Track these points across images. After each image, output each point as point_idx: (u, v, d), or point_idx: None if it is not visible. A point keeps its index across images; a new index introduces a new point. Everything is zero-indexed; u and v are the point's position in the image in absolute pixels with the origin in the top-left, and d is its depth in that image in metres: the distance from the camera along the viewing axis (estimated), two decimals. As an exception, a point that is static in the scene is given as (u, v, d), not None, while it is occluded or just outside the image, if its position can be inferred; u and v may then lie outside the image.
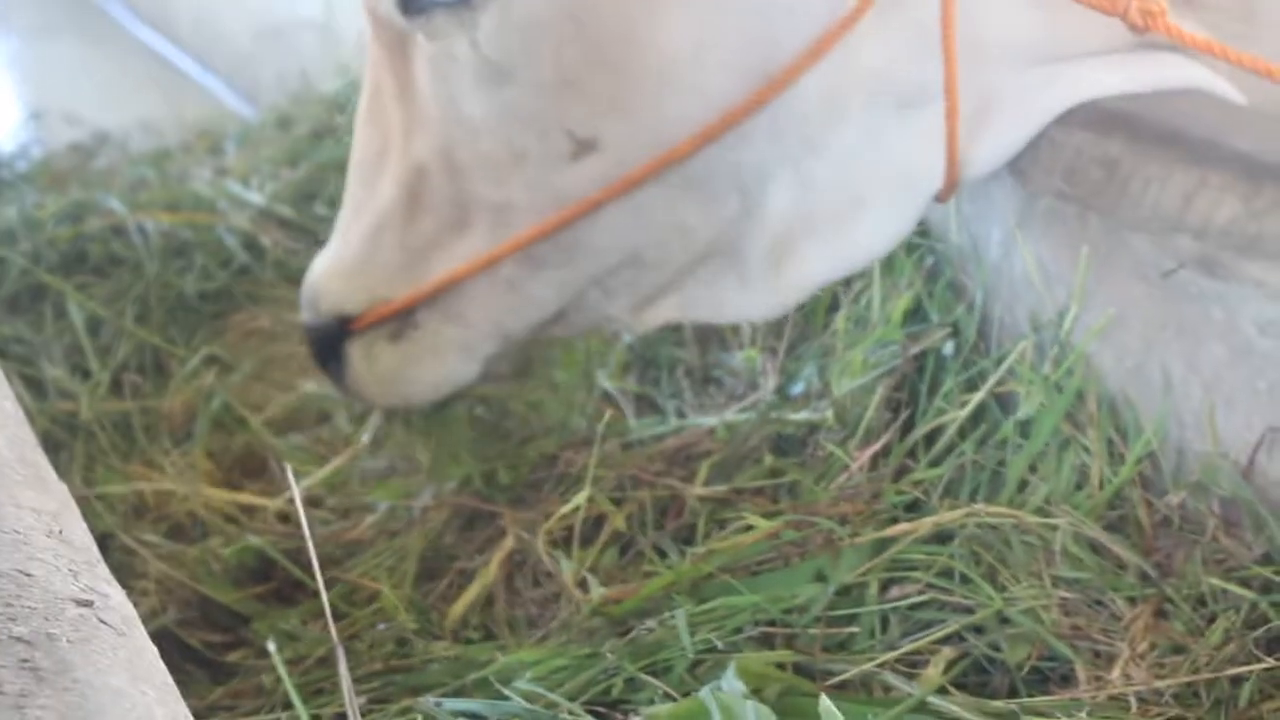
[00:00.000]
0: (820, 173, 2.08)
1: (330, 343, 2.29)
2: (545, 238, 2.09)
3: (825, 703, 1.27)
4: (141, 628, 1.07)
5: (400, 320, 2.23)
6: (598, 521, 2.16)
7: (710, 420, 2.36)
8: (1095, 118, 1.99)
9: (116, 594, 1.08)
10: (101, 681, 0.93)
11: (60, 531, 1.15)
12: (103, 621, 1.01)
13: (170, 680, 1.02)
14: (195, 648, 2.10)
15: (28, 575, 1.03)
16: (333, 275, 2.28)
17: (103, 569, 1.13)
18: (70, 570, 1.08)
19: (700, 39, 1.96)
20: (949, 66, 1.95)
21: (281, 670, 0.94)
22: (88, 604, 1.03)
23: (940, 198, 2.09)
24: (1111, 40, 2.01)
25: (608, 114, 2.01)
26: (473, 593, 2.05)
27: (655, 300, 2.24)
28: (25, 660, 0.93)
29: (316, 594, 2.09)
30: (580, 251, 2.13)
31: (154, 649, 1.05)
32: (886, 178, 2.10)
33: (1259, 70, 1.84)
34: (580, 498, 2.11)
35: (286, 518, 2.43)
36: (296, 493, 1.60)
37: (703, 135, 2.00)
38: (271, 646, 0.95)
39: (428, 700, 1.63)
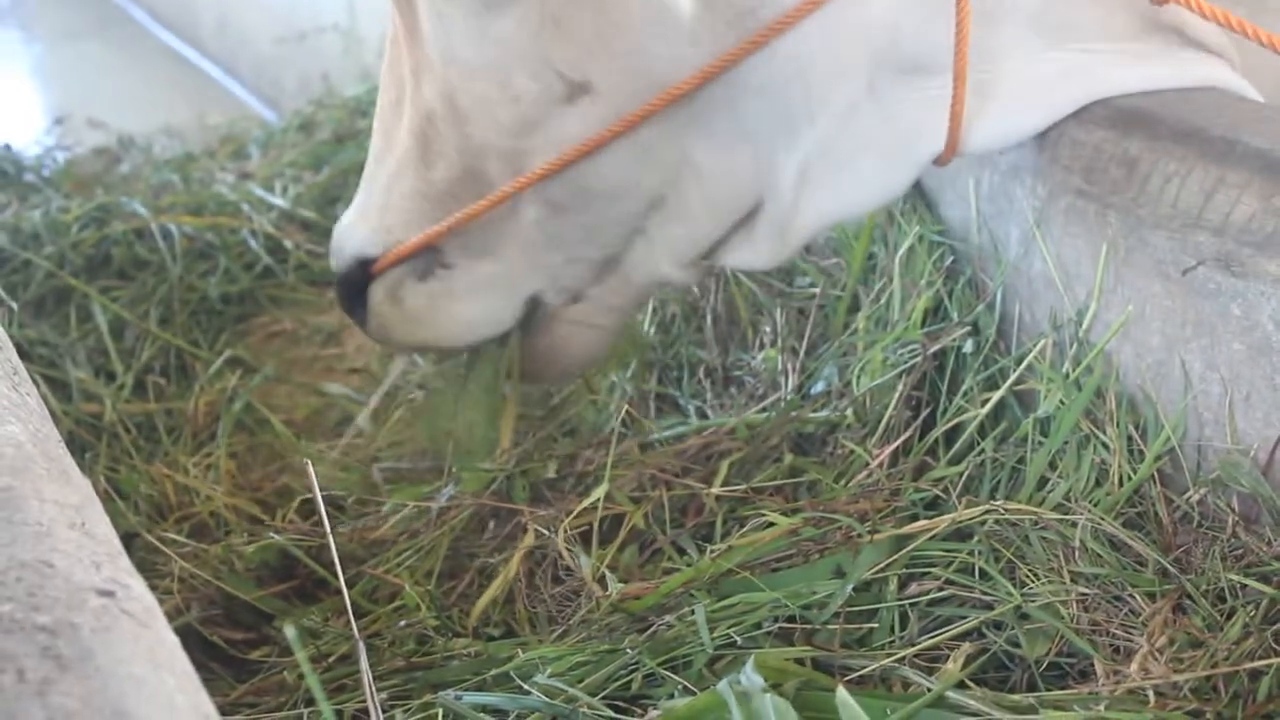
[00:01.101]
0: (823, 124, 2.09)
1: (356, 288, 2.32)
2: (554, 177, 2.10)
3: (842, 694, 1.27)
4: (163, 619, 1.07)
5: (427, 258, 2.25)
6: (617, 520, 2.16)
7: (730, 420, 2.37)
8: (1114, 116, 1.99)
9: (138, 585, 1.09)
10: (123, 670, 0.93)
11: (83, 524, 1.16)
12: (124, 611, 1.02)
13: (191, 670, 1.02)
14: (218, 645, 2.12)
15: (50, 566, 1.04)
16: (355, 221, 2.30)
17: (124, 561, 1.14)
18: (93, 562, 1.08)
19: None
20: (960, 30, 1.95)
21: (304, 663, 0.94)
22: (110, 594, 1.03)
23: (939, 162, 2.09)
24: (1128, 25, 2.02)
25: (596, 55, 2.02)
26: (494, 589, 2.06)
27: (701, 254, 2.27)
28: (48, 648, 0.93)
29: (338, 592, 2.10)
30: (594, 193, 2.14)
31: (175, 639, 1.06)
32: (887, 136, 2.10)
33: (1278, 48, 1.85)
34: (599, 491, 2.12)
35: (308, 517, 2.45)
36: (317, 491, 1.60)
37: (697, 78, 2.00)
38: (291, 632, 0.96)
39: (449, 694, 1.63)
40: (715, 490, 2.15)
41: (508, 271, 2.26)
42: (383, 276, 2.29)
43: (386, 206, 2.25)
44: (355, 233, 2.29)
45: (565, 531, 2.08)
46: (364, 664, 1.52)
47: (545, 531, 2.11)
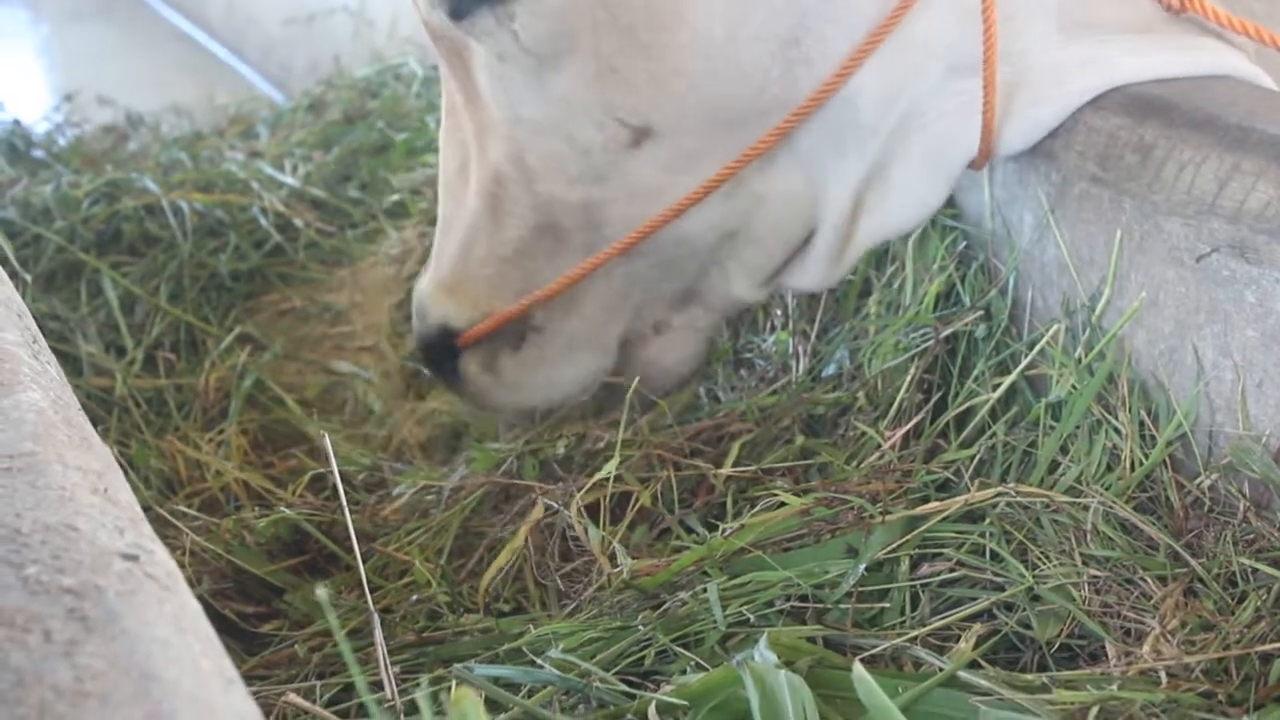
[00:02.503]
0: (871, 145, 2.11)
1: (440, 351, 2.36)
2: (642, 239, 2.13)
3: (859, 669, 1.28)
4: (185, 584, 1.08)
5: (519, 327, 2.28)
6: (625, 500, 2.17)
7: (741, 404, 2.37)
8: (1130, 103, 2.00)
9: (160, 551, 1.10)
10: (149, 632, 0.94)
11: (105, 490, 1.16)
12: (148, 576, 1.03)
13: (214, 635, 1.03)
14: (229, 618, 2.12)
15: (75, 530, 1.04)
16: (436, 291, 2.34)
17: (146, 527, 1.15)
18: (116, 527, 1.09)
19: (729, 17, 1.98)
20: (989, 39, 1.97)
21: (333, 623, 0.95)
22: (133, 558, 1.04)
23: (974, 165, 2.11)
24: (1145, 15, 2.03)
25: (653, 99, 2.03)
26: (503, 559, 2.07)
27: (770, 276, 2.31)
28: (73, 610, 0.94)
29: (349, 568, 2.11)
30: (677, 239, 2.17)
31: (197, 605, 1.06)
32: (926, 147, 2.12)
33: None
34: (610, 465, 2.12)
35: (319, 494, 2.45)
36: (335, 464, 1.61)
37: (774, 134, 2.03)
38: (322, 594, 0.96)
39: (462, 667, 1.64)
40: (725, 471, 2.16)
41: (595, 323, 2.29)
42: (473, 349, 2.33)
43: (466, 277, 2.28)
44: (437, 301, 2.34)
45: (576, 505, 2.09)
46: (378, 635, 1.53)
47: (554, 505, 2.12)
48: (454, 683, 1.57)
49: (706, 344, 2.47)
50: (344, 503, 1.61)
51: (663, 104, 2.05)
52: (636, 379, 2.30)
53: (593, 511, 2.14)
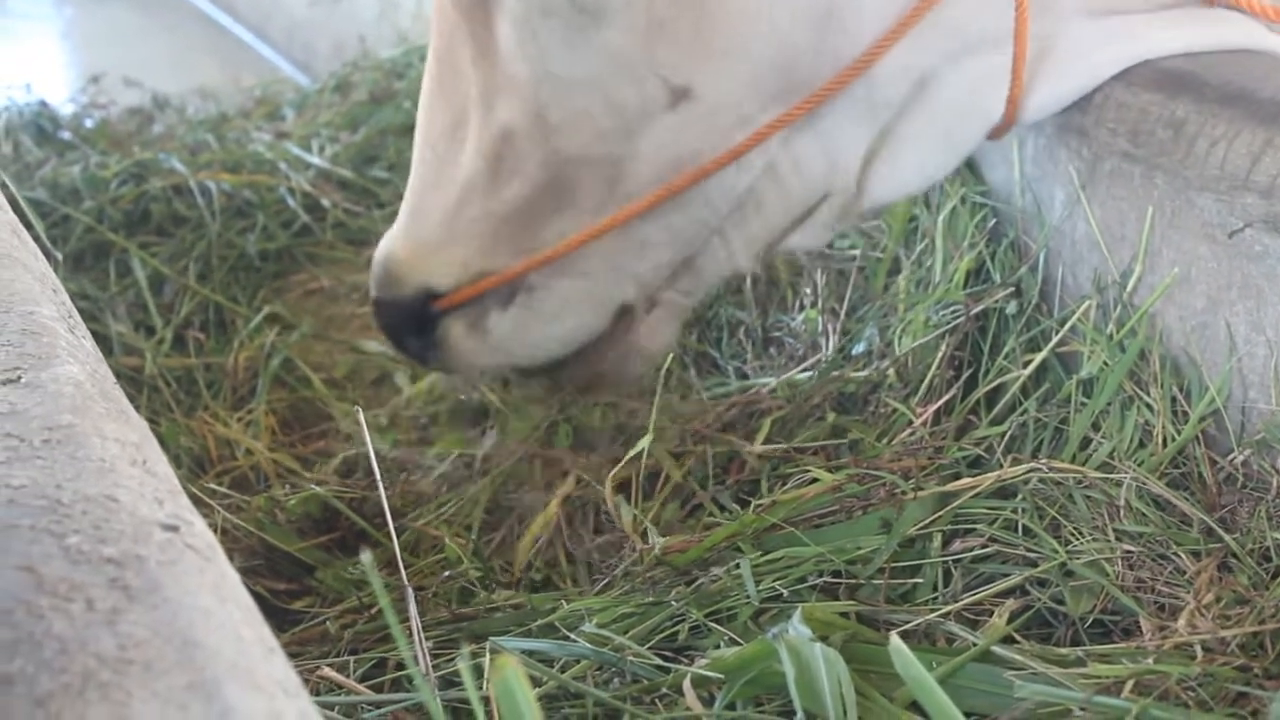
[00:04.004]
0: (889, 115, 2.11)
1: (414, 320, 2.26)
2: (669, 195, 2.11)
3: (896, 642, 1.27)
4: (224, 555, 1.08)
5: (510, 288, 2.22)
6: (656, 476, 2.17)
7: (771, 380, 2.37)
8: (1161, 78, 1.99)
9: (199, 522, 1.10)
10: (191, 601, 0.94)
11: (144, 462, 1.16)
12: (189, 546, 1.03)
13: (253, 604, 1.03)
14: (261, 595, 2.12)
15: (115, 500, 1.05)
16: (415, 251, 2.24)
17: (184, 499, 1.15)
18: (155, 498, 1.09)
19: None
20: (1021, 16, 1.96)
21: (375, 581, 0.95)
22: (174, 529, 1.04)
23: (994, 135, 2.11)
24: None
25: (697, 58, 2.02)
26: (536, 528, 2.07)
27: (772, 245, 2.27)
28: (115, 579, 0.94)
29: (380, 545, 2.11)
30: (693, 201, 2.14)
31: (236, 575, 1.06)
32: (945, 119, 2.12)
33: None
34: (644, 441, 2.11)
35: (350, 472, 2.46)
36: (369, 440, 1.61)
37: (808, 102, 2.02)
38: (367, 558, 0.96)
39: (497, 641, 1.64)
40: (758, 448, 2.16)
41: (596, 286, 2.24)
42: (458, 311, 2.25)
43: (454, 236, 2.20)
44: (417, 263, 2.23)
45: (609, 480, 2.09)
46: (413, 610, 1.53)
47: (586, 478, 2.12)
48: (488, 656, 1.57)
49: (680, 327, 2.42)
50: (379, 478, 1.61)
51: (706, 64, 2.03)
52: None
53: (624, 488, 2.14)
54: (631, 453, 2.12)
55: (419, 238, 2.22)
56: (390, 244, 2.26)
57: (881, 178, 2.17)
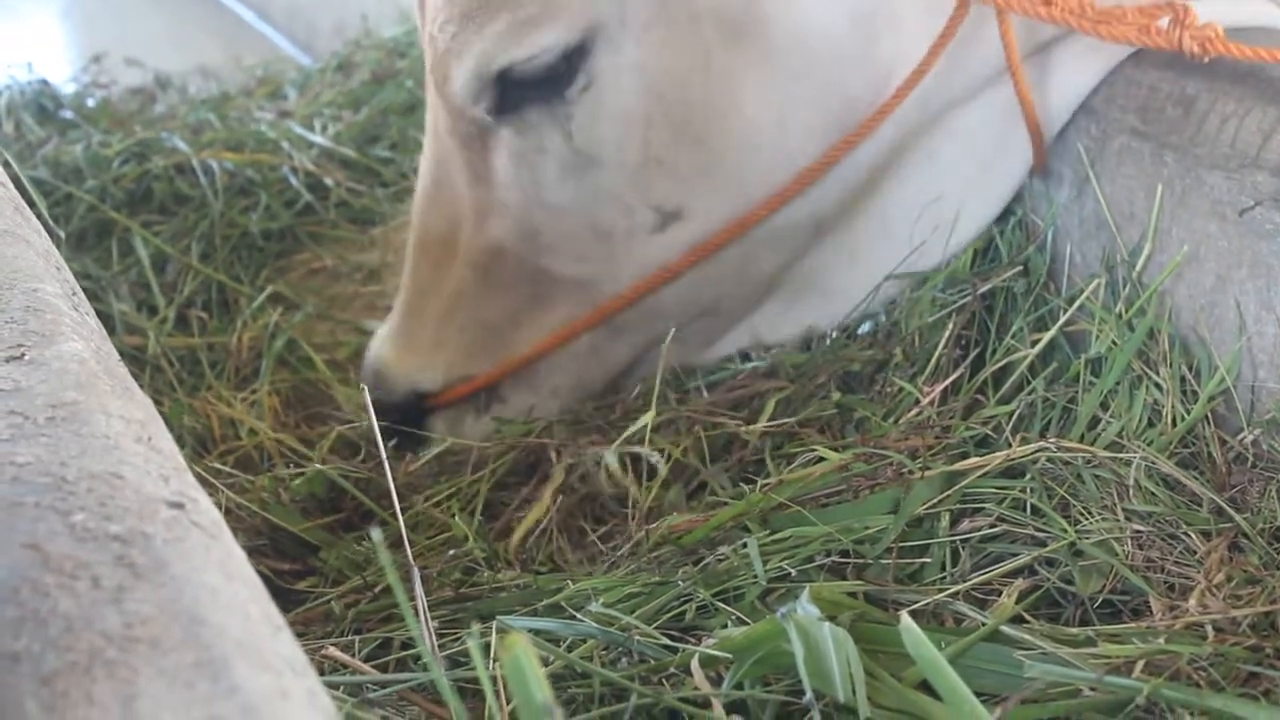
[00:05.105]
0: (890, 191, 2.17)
1: (405, 414, 2.37)
2: (630, 305, 2.14)
3: (906, 621, 1.27)
4: (229, 533, 1.07)
5: (487, 395, 2.33)
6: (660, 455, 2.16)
7: (769, 362, 2.36)
8: (1171, 56, 1.98)
9: (205, 500, 1.09)
10: (197, 579, 0.93)
11: (149, 439, 1.15)
12: (194, 523, 1.02)
13: (260, 582, 1.02)
14: (265, 575, 2.11)
15: (120, 478, 1.04)
16: (407, 354, 2.35)
17: (189, 476, 1.14)
18: (161, 475, 1.08)
19: (782, 108, 2.00)
20: (1012, 57, 1.99)
21: (384, 556, 0.94)
22: (179, 506, 1.03)
23: (1035, 168, 2.13)
24: None
25: (694, 186, 2.06)
26: (534, 516, 2.07)
27: (725, 337, 2.35)
28: (121, 557, 0.93)
29: (384, 524, 2.10)
30: (660, 313, 2.18)
31: (243, 553, 1.06)
32: (970, 170, 2.15)
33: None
34: (647, 417, 2.11)
35: (353, 451, 2.45)
36: (374, 420, 1.60)
37: (783, 195, 2.05)
38: (377, 535, 0.95)
39: (504, 620, 1.63)
40: (759, 426, 2.15)
41: (554, 396, 2.30)
42: (443, 411, 2.36)
43: (443, 341, 2.30)
44: (408, 365, 2.34)
45: (608, 460, 2.09)
46: (418, 589, 1.53)
47: (586, 463, 2.12)
48: (494, 635, 1.56)
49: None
50: (384, 456, 1.60)
51: (702, 190, 2.08)
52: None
53: (627, 471, 2.13)
54: (633, 429, 2.12)
55: (411, 340, 2.34)
56: (381, 347, 2.37)
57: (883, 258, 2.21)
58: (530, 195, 2.14)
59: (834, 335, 2.37)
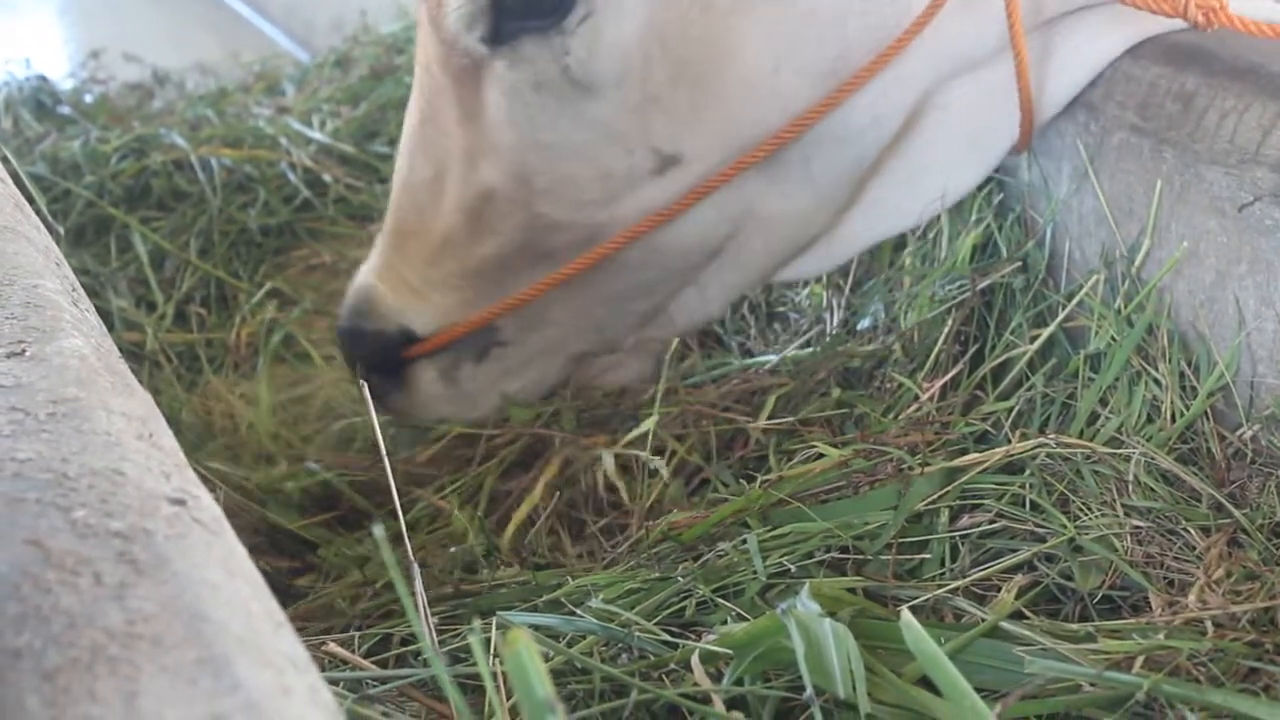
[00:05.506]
0: (887, 153, 2.14)
1: (385, 356, 2.31)
2: (631, 244, 2.12)
3: (907, 616, 1.27)
4: (231, 530, 1.07)
5: (484, 337, 2.26)
6: (659, 455, 2.16)
7: (774, 357, 2.36)
8: (1170, 52, 1.98)
9: (206, 496, 1.09)
10: (199, 575, 0.93)
11: (150, 435, 1.16)
12: (196, 520, 1.02)
13: (261, 579, 1.02)
14: (264, 572, 2.11)
15: (121, 474, 1.04)
16: (398, 290, 2.29)
17: (190, 473, 1.14)
18: (162, 472, 1.08)
19: (779, 51, 1.98)
20: (1015, 27, 1.98)
21: (385, 552, 0.94)
22: (181, 502, 1.03)
23: (1018, 148, 2.12)
24: None
25: (691, 128, 2.04)
26: (525, 510, 2.06)
27: (743, 289, 2.35)
28: (123, 553, 0.93)
29: (385, 520, 2.10)
30: (664, 252, 2.16)
31: (244, 550, 1.06)
32: (950, 145, 2.14)
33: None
34: (649, 423, 2.11)
35: (349, 443, 2.45)
36: (374, 416, 1.60)
37: (777, 139, 2.03)
38: (379, 531, 0.95)
39: (504, 616, 1.63)
40: (761, 423, 2.15)
41: (560, 336, 2.27)
42: (433, 357, 2.29)
43: (434, 284, 2.24)
44: (399, 302, 2.28)
45: (611, 457, 2.09)
46: (418, 584, 1.53)
47: (588, 458, 2.12)
48: (494, 631, 1.56)
49: (655, 363, 2.43)
50: (384, 452, 1.60)
51: (699, 132, 2.05)
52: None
53: (627, 470, 2.13)
54: (634, 433, 2.12)
55: (399, 277, 2.25)
56: (369, 279, 2.29)
57: (876, 216, 2.19)
58: (525, 134, 2.10)
59: (834, 331, 2.37)
